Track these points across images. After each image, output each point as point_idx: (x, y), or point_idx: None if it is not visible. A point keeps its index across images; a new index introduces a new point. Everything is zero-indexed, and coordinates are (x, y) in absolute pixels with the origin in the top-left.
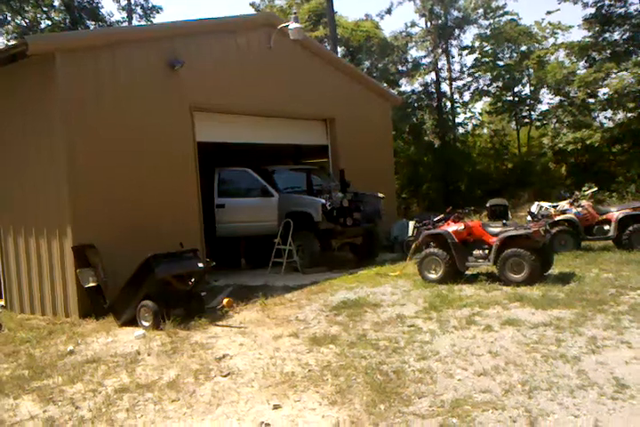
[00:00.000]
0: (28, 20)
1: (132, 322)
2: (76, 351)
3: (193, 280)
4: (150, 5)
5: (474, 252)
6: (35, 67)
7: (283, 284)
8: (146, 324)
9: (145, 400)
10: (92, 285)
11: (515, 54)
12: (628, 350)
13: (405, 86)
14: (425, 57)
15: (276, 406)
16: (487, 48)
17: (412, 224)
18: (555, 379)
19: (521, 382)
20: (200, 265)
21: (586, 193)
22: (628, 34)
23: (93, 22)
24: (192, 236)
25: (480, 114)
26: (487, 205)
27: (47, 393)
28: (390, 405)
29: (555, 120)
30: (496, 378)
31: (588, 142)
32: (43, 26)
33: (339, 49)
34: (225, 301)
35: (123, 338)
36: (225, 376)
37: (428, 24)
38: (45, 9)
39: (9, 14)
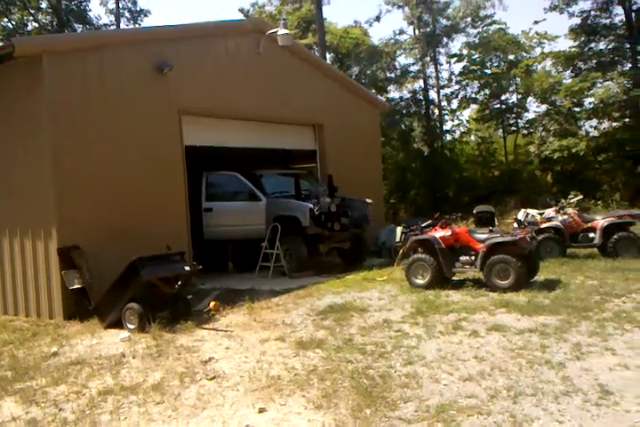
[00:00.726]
0: (14, 22)
1: (118, 324)
2: (60, 353)
3: (179, 283)
4: (138, 9)
5: (460, 258)
6: (21, 69)
7: (270, 288)
8: (131, 326)
9: (129, 403)
10: (77, 287)
11: (502, 63)
12: (612, 356)
13: (394, 93)
14: (413, 64)
15: (261, 410)
16: (475, 56)
17: (399, 230)
18: (540, 385)
19: (506, 387)
20: (187, 268)
21: (571, 201)
22: (613, 44)
23: (81, 25)
24: (179, 239)
25: (467, 121)
26: (474, 211)
27: (30, 395)
28: (376, 409)
29: (541, 128)
30: (481, 383)
31: (573, 151)
32: (29, 28)
33: (328, 55)
34: (211, 304)
35: (107, 340)
36: (210, 380)
37: (417, 32)
38: (32, 11)
39: None
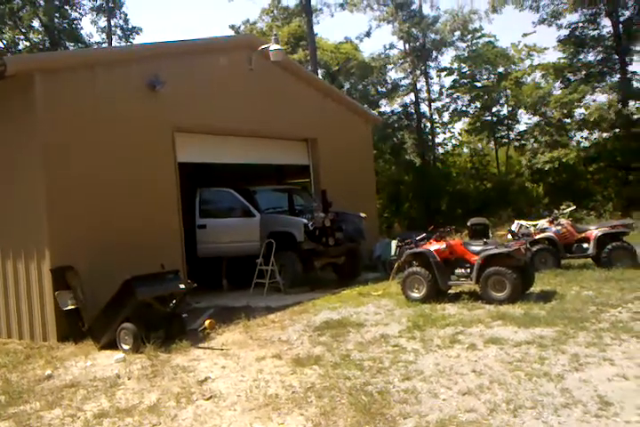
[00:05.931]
0: (5, 42)
1: (112, 345)
2: (55, 376)
3: (174, 302)
4: (130, 27)
5: (456, 270)
6: (13, 87)
7: (265, 304)
8: (126, 347)
9: (125, 425)
10: (70, 307)
11: (492, 75)
12: (610, 367)
13: (385, 107)
14: (404, 78)
15: None
16: (465, 70)
17: (394, 243)
18: (539, 397)
19: (505, 400)
20: (181, 286)
21: (564, 212)
22: (601, 55)
23: (73, 44)
24: (173, 256)
25: (459, 134)
26: (468, 223)
27: (24, 419)
28: (375, 426)
29: (532, 140)
30: (481, 397)
31: (564, 160)
32: (21, 47)
33: (319, 71)
34: (207, 322)
35: (102, 362)
36: (207, 400)
37: (407, 46)
38: (24, 30)
39: None
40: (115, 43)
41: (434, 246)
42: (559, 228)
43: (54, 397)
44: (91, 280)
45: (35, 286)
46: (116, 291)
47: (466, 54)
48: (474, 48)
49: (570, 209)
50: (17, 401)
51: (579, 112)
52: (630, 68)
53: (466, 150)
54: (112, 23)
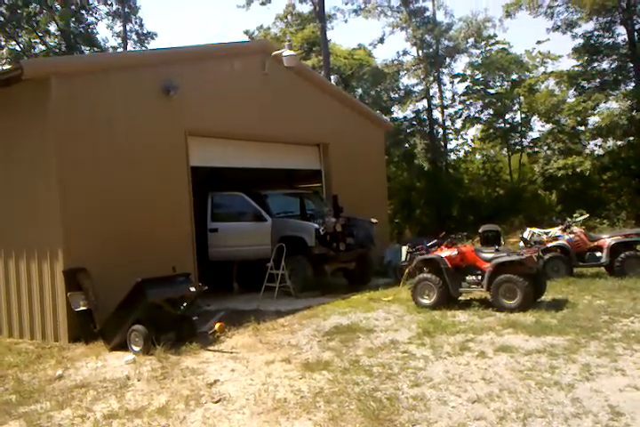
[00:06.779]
0: (22, 45)
1: (123, 346)
2: (65, 376)
3: (185, 304)
4: (145, 32)
5: (467, 277)
6: (29, 91)
7: (275, 308)
8: (136, 348)
9: None
10: (82, 308)
11: (505, 82)
12: (622, 377)
13: (397, 113)
14: (417, 85)
15: None
16: (478, 76)
17: (405, 249)
18: (549, 406)
19: (515, 409)
20: (192, 289)
21: (577, 220)
22: (616, 63)
23: (88, 48)
24: (185, 259)
25: (472, 141)
26: (480, 230)
27: (35, 419)
28: None
29: (545, 147)
30: (490, 405)
31: (578, 170)
32: (37, 51)
33: (332, 77)
34: (217, 325)
35: (112, 363)
36: (216, 402)
37: (420, 52)
38: (41, 34)
39: (2, 39)
40: (130, 47)
41: (445, 253)
42: (572, 236)
43: (64, 397)
44: (103, 282)
45: (47, 287)
46: (127, 293)
47: (479, 61)
48: (487, 55)
49: (583, 217)
50: (28, 401)
51: (593, 120)
52: None
53: (478, 157)
54: (127, 28)
